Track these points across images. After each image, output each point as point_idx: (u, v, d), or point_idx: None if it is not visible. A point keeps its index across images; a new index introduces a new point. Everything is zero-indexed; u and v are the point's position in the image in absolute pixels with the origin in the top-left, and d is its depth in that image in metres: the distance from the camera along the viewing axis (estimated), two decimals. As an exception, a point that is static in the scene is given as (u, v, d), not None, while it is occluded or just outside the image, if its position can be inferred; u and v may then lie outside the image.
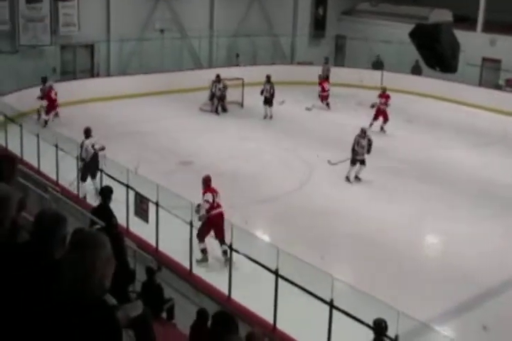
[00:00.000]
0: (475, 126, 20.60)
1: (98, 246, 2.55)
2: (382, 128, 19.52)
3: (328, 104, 21.81)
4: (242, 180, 14.56)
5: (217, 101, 21.12)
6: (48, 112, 18.71)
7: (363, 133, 15.29)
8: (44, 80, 19.45)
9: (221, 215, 10.48)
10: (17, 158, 11.96)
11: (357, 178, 15.24)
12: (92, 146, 13.01)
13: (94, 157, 12.98)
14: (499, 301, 10.13)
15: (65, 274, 2.52)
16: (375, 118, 19.41)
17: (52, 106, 18.79)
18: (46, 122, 18.41)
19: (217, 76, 21.21)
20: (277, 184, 14.85)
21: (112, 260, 2.59)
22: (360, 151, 15.12)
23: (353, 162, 15.14)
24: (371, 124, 19.01)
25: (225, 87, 21.13)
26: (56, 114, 19.06)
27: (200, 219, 10.31)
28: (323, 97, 21.87)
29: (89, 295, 2.46)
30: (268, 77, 20.94)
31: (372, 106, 19.34)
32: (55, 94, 18.76)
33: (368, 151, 15.23)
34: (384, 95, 19.61)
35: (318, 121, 20.57)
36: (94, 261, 2.50)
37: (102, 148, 13.18)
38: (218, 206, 10.60)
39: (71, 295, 2.47)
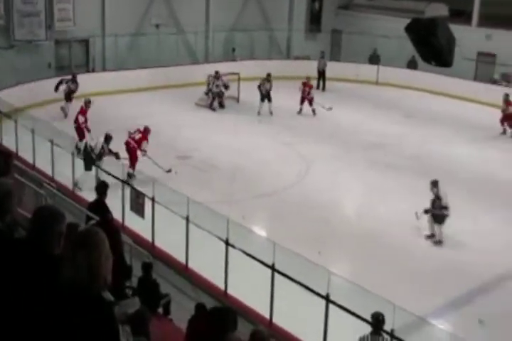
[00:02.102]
0: (471, 121, 20.62)
1: (101, 244, 2.60)
2: (314, 112, 20.48)
3: (314, 110, 20.75)
4: (239, 175, 14.55)
5: (213, 98, 21.04)
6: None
7: None
8: (74, 76, 19.72)
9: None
10: (12, 154, 11.92)
11: None
12: (102, 147, 13.42)
13: (100, 154, 13.26)
14: (495, 295, 10.16)
15: (68, 272, 2.53)
16: (302, 102, 20.56)
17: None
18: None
19: (216, 72, 21.12)
20: (275, 179, 14.86)
21: (110, 256, 2.62)
22: None
23: None
24: (301, 110, 20.58)
25: (226, 86, 20.99)
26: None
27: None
28: (309, 100, 20.75)
29: (94, 292, 2.48)
30: (269, 76, 20.82)
31: (330, 108, 20.06)
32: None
33: None
34: (308, 84, 20.68)
35: (315, 116, 20.55)
36: (99, 258, 2.54)
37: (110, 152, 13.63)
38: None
39: (74, 293, 2.47)
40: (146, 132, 14.50)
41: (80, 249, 2.58)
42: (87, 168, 13.08)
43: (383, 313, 7.07)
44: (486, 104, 22.16)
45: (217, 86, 20.96)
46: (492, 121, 19.78)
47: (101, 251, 2.57)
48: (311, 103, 20.56)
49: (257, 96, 20.60)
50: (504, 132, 19.33)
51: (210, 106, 21.03)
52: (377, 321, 7.08)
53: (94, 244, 2.58)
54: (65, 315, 2.46)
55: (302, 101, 20.69)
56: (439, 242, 11.89)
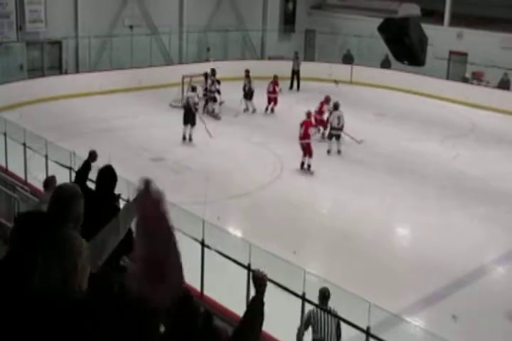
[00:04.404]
0: (443, 119, 20.85)
1: (79, 251, 2.52)
2: (272, 110, 20.83)
3: (272, 109, 20.89)
4: (213, 176, 14.55)
5: (206, 100, 20.30)
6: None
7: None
8: (213, 72, 20.21)
9: None
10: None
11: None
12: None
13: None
14: (468, 291, 10.29)
15: (40, 278, 2.46)
16: (269, 102, 20.78)
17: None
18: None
19: (213, 70, 20.72)
20: (249, 179, 14.87)
21: (87, 266, 2.53)
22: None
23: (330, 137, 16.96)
24: (267, 109, 20.78)
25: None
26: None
27: None
28: (273, 99, 20.94)
29: (66, 302, 2.40)
30: (247, 72, 20.94)
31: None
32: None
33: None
34: (275, 82, 20.87)
35: (290, 115, 20.60)
36: (75, 267, 2.46)
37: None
38: None
39: (44, 302, 2.40)
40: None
41: (54, 254, 2.46)
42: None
43: (329, 289, 7.78)
44: (458, 102, 22.43)
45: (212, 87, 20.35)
46: (463, 119, 20.03)
47: (76, 259, 2.45)
48: (270, 102, 20.84)
49: (230, 96, 20.58)
50: None
51: (212, 112, 19.92)
52: (323, 296, 7.79)
53: (71, 251, 2.47)
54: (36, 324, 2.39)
55: (269, 101, 20.87)
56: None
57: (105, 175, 5.41)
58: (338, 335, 7.71)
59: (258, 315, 3.38)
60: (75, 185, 3.52)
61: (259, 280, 3.43)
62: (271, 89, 20.89)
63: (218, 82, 20.41)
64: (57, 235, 2.61)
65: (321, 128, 17.69)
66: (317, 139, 16.74)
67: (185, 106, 17.69)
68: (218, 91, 20.27)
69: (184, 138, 17.44)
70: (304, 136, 15.31)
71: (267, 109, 20.88)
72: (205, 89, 20.52)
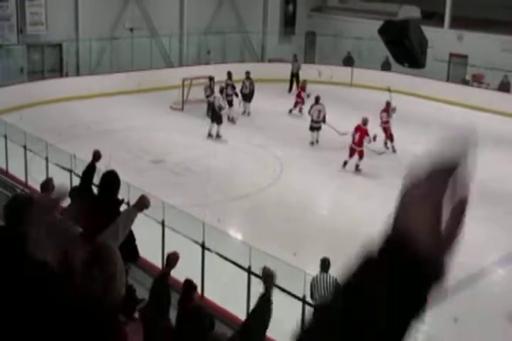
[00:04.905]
0: (444, 121, 20.83)
1: (115, 257, 2.57)
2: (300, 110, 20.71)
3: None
4: (214, 177, 14.56)
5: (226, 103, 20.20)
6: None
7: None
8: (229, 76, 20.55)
9: None
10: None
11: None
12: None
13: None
14: (468, 292, 10.28)
15: (82, 287, 2.48)
16: (295, 105, 20.87)
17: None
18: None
19: (229, 73, 20.92)
20: (249, 181, 14.88)
21: (123, 269, 2.58)
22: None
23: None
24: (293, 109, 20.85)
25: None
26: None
27: None
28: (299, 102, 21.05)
29: (109, 309, 2.44)
30: (248, 73, 20.96)
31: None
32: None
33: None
34: (302, 87, 21.01)
35: (291, 118, 20.64)
36: (115, 272, 2.52)
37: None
38: None
39: (87, 309, 2.42)
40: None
41: (94, 263, 2.53)
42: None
43: (329, 258, 8.65)
44: (458, 104, 22.43)
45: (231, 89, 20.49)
46: (463, 121, 19.96)
47: (116, 265, 2.53)
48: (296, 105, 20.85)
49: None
50: None
51: (228, 119, 19.59)
52: (323, 264, 8.67)
53: (109, 258, 2.54)
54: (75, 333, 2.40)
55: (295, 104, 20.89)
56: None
57: (108, 180, 5.42)
58: None
59: (266, 311, 3.40)
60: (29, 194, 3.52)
61: (268, 278, 3.46)
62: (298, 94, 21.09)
63: (233, 86, 20.49)
64: (95, 246, 2.67)
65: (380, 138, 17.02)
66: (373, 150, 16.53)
67: (212, 105, 18.23)
68: (236, 94, 20.43)
69: (209, 135, 17.91)
70: (358, 143, 15.47)
71: (290, 110, 20.99)
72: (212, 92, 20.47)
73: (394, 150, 17.37)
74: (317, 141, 18.01)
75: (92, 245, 2.76)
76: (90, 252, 2.62)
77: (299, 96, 21.05)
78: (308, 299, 7.97)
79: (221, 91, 19.64)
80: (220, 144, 17.39)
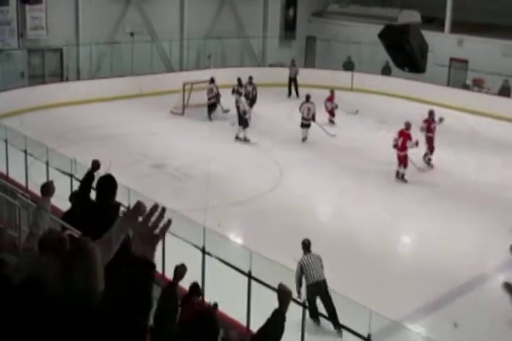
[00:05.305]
0: (444, 126, 20.82)
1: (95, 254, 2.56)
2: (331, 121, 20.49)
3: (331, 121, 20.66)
4: (214, 182, 14.54)
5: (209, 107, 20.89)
6: None
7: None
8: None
9: None
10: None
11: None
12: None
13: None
14: (469, 298, 10.27)
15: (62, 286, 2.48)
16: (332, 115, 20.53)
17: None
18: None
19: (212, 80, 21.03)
20: (250, 186, 14.86)
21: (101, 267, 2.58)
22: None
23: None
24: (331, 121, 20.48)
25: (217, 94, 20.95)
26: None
27: None
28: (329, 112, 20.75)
29: (90, 307, 2.43)
30: (250, 78, 20.98)
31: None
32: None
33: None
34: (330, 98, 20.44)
35: (290, 122, 20.61)
36: (96, 270, 2.52)
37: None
38: None
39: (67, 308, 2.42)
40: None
41: (76, 261, 2.52)
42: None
43: (309, 239, 9.60)
44: (459, 109, 22.42)
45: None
46: (464, 125, 20.02)
47: (95, 264, 2.52)
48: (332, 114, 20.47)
49: (232, 103, 20.58)
50: None
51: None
52: (304, 245, 9.55)
53: (90, 257, 2.53)
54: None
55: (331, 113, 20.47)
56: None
57: (105, 184, 5.41)
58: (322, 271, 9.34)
59: (278, 327, 3.39)
60: None
61: (283, 295, 3.45)
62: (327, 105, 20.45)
63: (240, 93, 20.44)
64: (76, 243, 2.66)
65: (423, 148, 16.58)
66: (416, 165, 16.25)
67: (238, 109, 18.67)
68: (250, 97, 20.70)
69: (237, 138, 18.34)
70: (402, 147, 15.34)
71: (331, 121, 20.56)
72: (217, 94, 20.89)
73: (429, 163, 16.64)
74: (306, 138, 18.64)
75: (74, 243, 2.74)
76: (71, 249, 2.60)
77: (331, 112, 20.42)
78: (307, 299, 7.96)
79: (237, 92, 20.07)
80: (220, 149, 17.37)
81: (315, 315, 8.91)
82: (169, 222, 2.51)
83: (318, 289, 8.99)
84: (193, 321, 4.26)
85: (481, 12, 23.91)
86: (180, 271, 5.62)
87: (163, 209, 2.53)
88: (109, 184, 5.36)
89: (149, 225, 2.50)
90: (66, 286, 2.48)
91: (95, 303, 2.43)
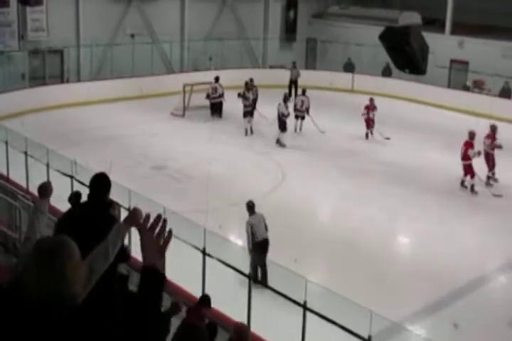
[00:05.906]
0: (444, 127, 20.83)
1: (73, 252, 2.49)
2: (371, 133, 19.32)
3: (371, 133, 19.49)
4: (215, 184, 14.54)
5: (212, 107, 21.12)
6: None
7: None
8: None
9: None
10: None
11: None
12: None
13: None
14: (469, 299, 10.25)
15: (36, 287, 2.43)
16: (368, 126, 19.26)
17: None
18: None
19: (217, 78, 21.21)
20: (251, 188, 14.84)
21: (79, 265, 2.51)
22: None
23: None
24: (370, 133, 19.27)
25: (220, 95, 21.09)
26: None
27: None
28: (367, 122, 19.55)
29: (67, 309, 2.38)
30: (251, 80, 20.98)
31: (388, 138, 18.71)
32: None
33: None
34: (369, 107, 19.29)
35: (291, 124, 20.60)
36: (72, 268, 2.41)
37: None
38: None
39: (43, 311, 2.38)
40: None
41: (51, 258, 2.40)
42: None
43: (254, 202, 10.44)
44: (459, 110, 22.43)
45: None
46: (464, 127, 19.95)
47: (67, 261, 2.40)
48: (368, 125, 19.33)
49: (232, 105, 20.58)
50: None
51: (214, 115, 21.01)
52: (249, 207, 10.40)
53: (67, 253, 2.43)
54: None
55: (368, 125, 19.30)
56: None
57: (98, 182, 5.41)
58: (266, 230, 10.36)
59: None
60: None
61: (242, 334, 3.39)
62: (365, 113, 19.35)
63: (245, 97, 20.36)
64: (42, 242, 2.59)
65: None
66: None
67: (278, 112, 18.85)
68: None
69: (277, 141, 18.43)
70: (464, 157, 14.98)
71: (367, 135, 19.42)
72: (207, 96, 20.91)
73: (488, 183, 15.37)
74: (300, 129, 19.50)
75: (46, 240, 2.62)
76: (37, 250, 2.47)
77: (368, 122, 19.32)
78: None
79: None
80: (221, 150, 17.37)
81: (255, 280, 9.35)
82: (170, 233, 2.48)
83: (264, 246, 10.04)
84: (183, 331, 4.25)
85: (481, 13, 23.91)
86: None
87: (165, 220, 2.50)
88: (102, 182, 5.35)
89: (154, 236, 2.46)
90: (39, 287, 2.43)
91: (71, 306, 2.36)
